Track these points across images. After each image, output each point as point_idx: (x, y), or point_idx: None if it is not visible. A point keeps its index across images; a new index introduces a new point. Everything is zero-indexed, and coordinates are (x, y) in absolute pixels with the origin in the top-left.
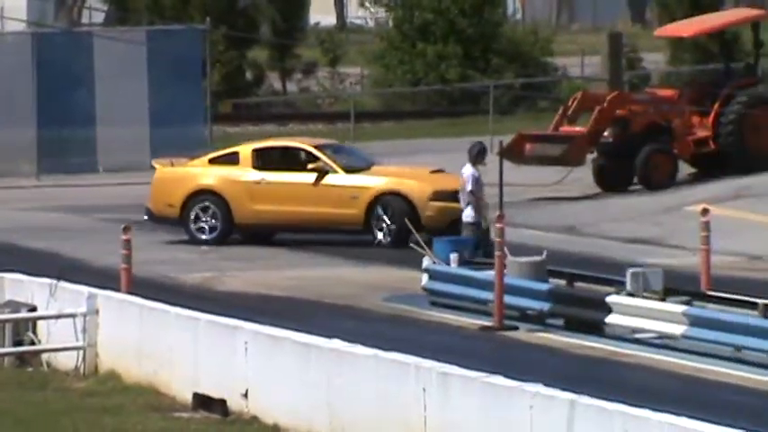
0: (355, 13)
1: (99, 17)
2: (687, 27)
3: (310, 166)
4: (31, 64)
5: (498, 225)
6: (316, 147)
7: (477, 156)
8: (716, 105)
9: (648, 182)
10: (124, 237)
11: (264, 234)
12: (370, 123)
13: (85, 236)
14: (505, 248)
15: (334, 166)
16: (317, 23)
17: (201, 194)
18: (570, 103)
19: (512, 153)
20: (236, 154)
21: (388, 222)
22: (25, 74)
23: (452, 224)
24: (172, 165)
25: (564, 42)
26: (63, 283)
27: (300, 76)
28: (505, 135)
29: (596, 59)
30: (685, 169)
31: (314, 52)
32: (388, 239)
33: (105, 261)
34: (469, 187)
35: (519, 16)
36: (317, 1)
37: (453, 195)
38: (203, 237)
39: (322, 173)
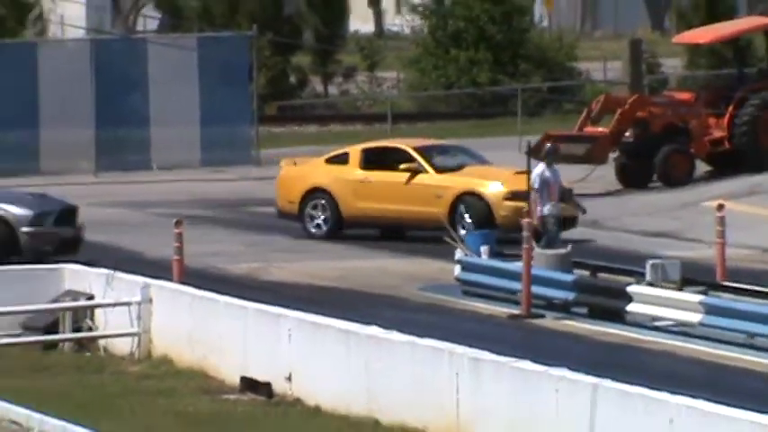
0: (392, 21)
1: (153, 25)
2: (703, 34)
3: (403, 166)
4: (89, 69)
5: (525, 220)
6: (415, 147)
7: (546, 156)
8: (730, 108)
9: (667, 179)
10: (176, 230)
11: (390, 231)
12: (406, 124)
13: (140, 229)
14: (533, 242)
15: (426, 165)
16: (357, 31)
17: (315, 192)
18: (594, 105)
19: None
20: (346, 154)
21: (469, 221)
22: (84, 78)
23: None
24: (295, 164)
25: (587, 48)
26: (119, 274)
27: (341, 79)
28: (533, 135)
29: (618, 64)
30: (702, 167)
31: (354, 58)
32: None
33: (159, 253)
34: (531, 182)
35: (545, 24)
36: (357, 9)
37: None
38: (315, 231)
39: (414, 172)
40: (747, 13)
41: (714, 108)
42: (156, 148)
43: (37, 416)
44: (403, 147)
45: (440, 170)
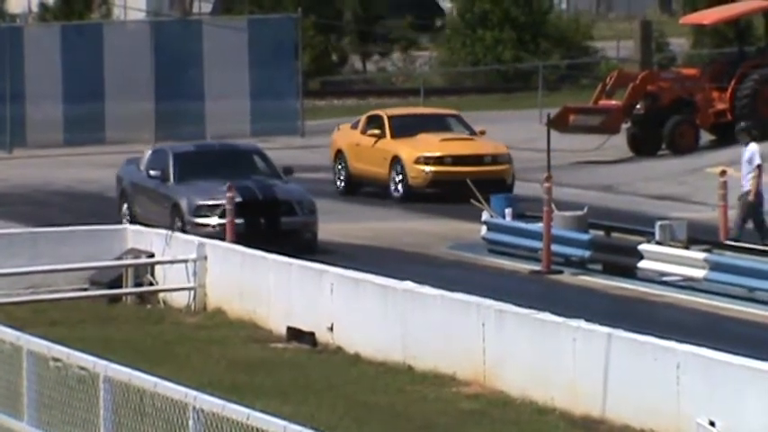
0: None
1: (207, 8)
2: (707, 16)
3: (369, 132)
4: (149, 48)
5: (546, 185)
6: (390, 115)
7: None
8: (732, 82)
9: (675, 147)
10: (228, 194)
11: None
12: (437, 98)
13: None
14: (553, 204)
15: (387, 131)
16: None
17: (339, 154)
18: (608, 80)
19: (558, 123)
20: (358, 121)
21: (398, 180)
22: (144, 56)
23: (435, 185)
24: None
25: (602, 29)
26: (177, 234)
27: (378, 57)
28: (552, 108)
29: (630, 44)
30: (706, 137)
31: None
32: (398, 195)
33: None
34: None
35: (564, 6)
36: None
37: (439, 160)
38: (338, 184)
39: (378, 137)
40: None
41: (718, 83)
42: (209, 120)
43: (103, 362)
44: (379, 113)
45: (395, 135)
